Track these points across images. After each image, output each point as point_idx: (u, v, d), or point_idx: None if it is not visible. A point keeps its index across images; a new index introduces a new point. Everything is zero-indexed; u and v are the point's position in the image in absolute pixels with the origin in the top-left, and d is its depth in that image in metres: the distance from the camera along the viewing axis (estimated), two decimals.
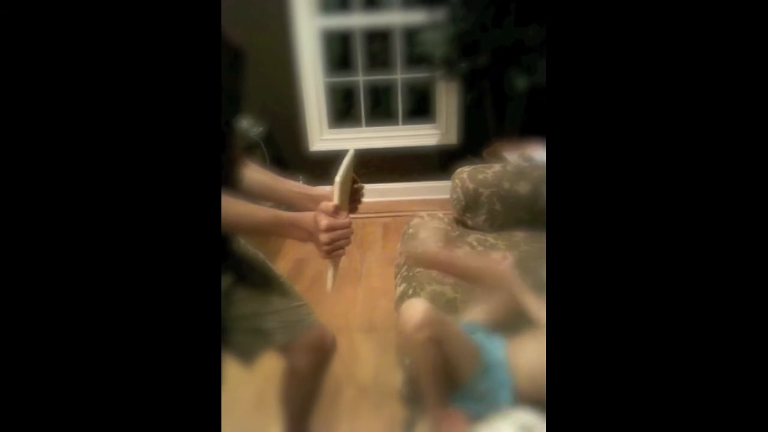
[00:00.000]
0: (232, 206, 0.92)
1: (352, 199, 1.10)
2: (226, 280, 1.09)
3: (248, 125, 2.90)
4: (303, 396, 1.31)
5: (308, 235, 0.96)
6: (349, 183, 1.09)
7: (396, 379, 1.36)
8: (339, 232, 0.95)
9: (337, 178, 0.97)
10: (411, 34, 3.01)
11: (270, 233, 1.02)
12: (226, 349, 1.16)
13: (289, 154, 3.22)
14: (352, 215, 1.06)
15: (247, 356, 1.18)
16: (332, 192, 0.98)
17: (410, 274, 1.62)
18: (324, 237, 0.94)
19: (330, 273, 1.02)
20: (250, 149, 2.89)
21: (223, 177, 1.00)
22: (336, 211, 0.96)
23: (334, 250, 0.96)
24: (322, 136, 3.27)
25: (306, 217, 0.98)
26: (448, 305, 1.39)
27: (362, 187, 1.13)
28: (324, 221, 0.94)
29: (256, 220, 0.96)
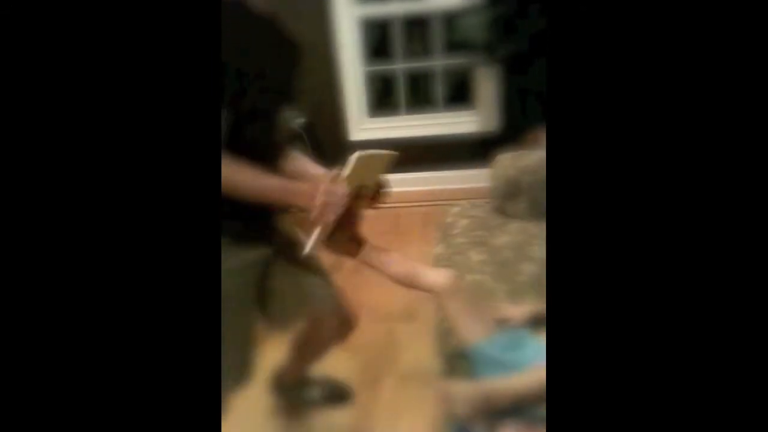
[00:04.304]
0: (237, 172, 0.97)
1: (373, 197, 1.14)
2: (267, 252, 1.18)
3: (290, 116, 2.93)
4: (311, 352, 1.47)
5: (305, 198, 1.02)
6: (372, 175, 1.10)
7: (436, 368, 1.36)
8: (333, 198, 1.00)
9: (356, 154, 1.00)
10: (450, 20, 2.97)
11: (274, 199, 1.08)
12: (261, 317, 1.26)
13: (330, 143, 3.24)
14: (386, 204, 1.12)
15: (280, 325, 1.31)
16: (345, 166, 1.02)
17: (450, 263, 1.61)
18: (319, 198, 1.00)
19: (314, 235, 1.05)
20: (293, 139, 2.92)
21: (266, 163, 1.05)
22: (335, 180, 1.01)
23: (322, 214, 1.01)
24: (362, 126, 3.27)
25: (307, 182, 1.06)
26: (487, 295, 1.38)
27: (385, 189, 1.16)
28: (323, 185, 1.01)
29: (261, 186, 1.02)
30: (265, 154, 1.09)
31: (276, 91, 1.13)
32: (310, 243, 1.07)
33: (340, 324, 1.36)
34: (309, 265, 1.28)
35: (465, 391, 0.98)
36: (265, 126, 1.12)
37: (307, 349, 1.46)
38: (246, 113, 1.00)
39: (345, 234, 1.10)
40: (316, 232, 1.06)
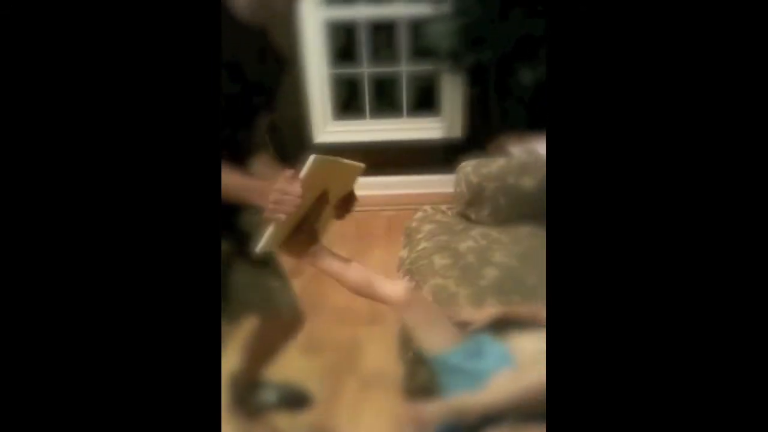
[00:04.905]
0: None
1: (341, 206, 1.13)
2: (227, 248, 1.21)
3: (264, 120, 2.89)
4: (263, 351, 1.50)
5: (261, 196, 1.02)
6: (339, 184, 1.10)
7: (398, 372, 1.36)
8: (285, 197, 1.00)
9: (314, 156, 0.99)
10: (416, 26, 2.99)
11: (230, 196, 1.06)
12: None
13: (294, 146, 3.21)
14: (346, 215, 1.14)
15: (232, 319, 1.32)
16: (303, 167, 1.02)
17: (414, 267, 1.62)
18: (272, 195, 1.00)
19: (267, 233, 1.04)
20: (261, 142, 2.89)
21: (239, 163, 1.08)
22: (292, 179, 1.01)
23: (275, 210, 1.01)
24: (326, 128, 3.26)
25: (263, 181, 1.07)
26: (450, 299, 1.39)
27: (355, 200, 1.16)
28: (276, 183, 1.01)
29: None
30: (238, 157, 1.10)
31: (257, 96, 1.15)
32: (261, 241, 1.05)
33: (292, 321, 1.42)
34: (267, 263, 1.31)
35: (435, 411, 0.98)
36: (244, 130, 1.15)
37: (260, 347, 1.49)
38: (226, 117, 1.00)
39: (301, 237, 1.09)
40: (268, 231, 1.04)
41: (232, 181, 1.04)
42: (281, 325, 1.42)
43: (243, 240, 1.24)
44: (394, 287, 1.11)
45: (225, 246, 1.21)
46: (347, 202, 1.14)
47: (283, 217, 1.01)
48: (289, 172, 1.01)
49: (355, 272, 1.13)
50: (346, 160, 1.05)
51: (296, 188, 1.00)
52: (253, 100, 1.13)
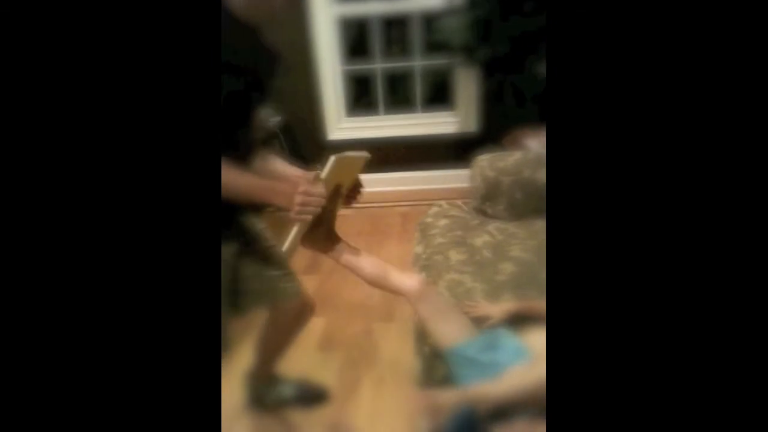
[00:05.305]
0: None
1: (348, 195, 1.17)
2: (233, 247, 1.24)
3: (266, 115, 2.90)
4: (275, 343, 1.52)
5: (284, 197, 1.04)
6: (348, 176, 1.13)
7: (414, 367, 1.36)
8: (311, 198, 1.03)
9: (334, 156, 1.02)
10: (429, 21, 2.97)
11: (252, 197, 1.11)
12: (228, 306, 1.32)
13: (307, 143, 3.22)
14: (366, 204, 1.13)
15: (241, 311, 1.36)
16: (323, 168, 1.04)
17: (429, 263, 1.61)
18: (298, 198, 1.03)
19: (292, 234, 1.08)
20: (269, 139, 2.89)
21: (240, 162, 1.08)
22: (315, 180, 1.04)
23: (302, 212, 1.04)
24: (339, 125, 3.26)
25: (286, 182, 1.09)
26: (466, 294, 1.38)
27: (360, 188, 1.19)
28: (302, 185, 1.04)
29: (240, 184, 1.05)
30: (240, 153, 1.12)
31: (253, 93, 1.17)
32: (287, 241, 1.08)
33: (301, 308, 1.44)
34: (272, 258, 1.35)
35: (449, 398, 0.99)
36: (242, 126, 1.16)
37: (272, 339, 1.51)
38: (224, 113, 1.01)
39: (320, 231, 1.12)
40: (293, 231, 1.07)
41: (251, 182, 1.07)
42: (290, 313, 1.44)
43: (248, 237, 1.27)
44: (408, 280, 1.14)
45: (232, 244, 1.23)
46: (355, 190, 1.17)
47: (309, 218, 1.05)
48: (312, 174, 1.04)
49: (371, 264, 1.16)
50: (354, 153, 1.08)
51: (320, 189, 1.04)
52: (251, 97, 1.15)
